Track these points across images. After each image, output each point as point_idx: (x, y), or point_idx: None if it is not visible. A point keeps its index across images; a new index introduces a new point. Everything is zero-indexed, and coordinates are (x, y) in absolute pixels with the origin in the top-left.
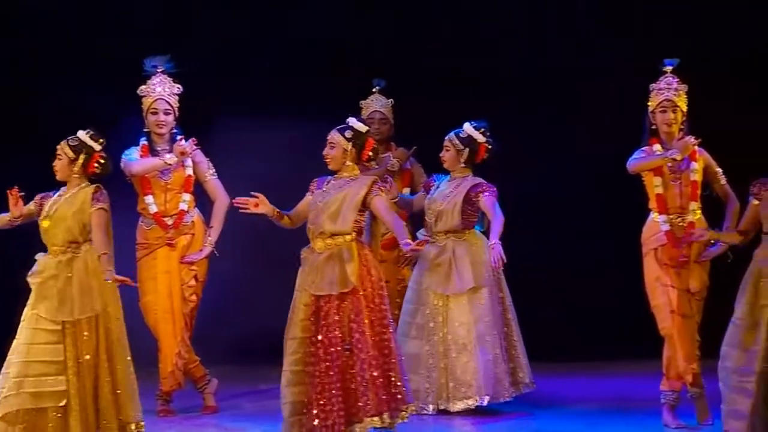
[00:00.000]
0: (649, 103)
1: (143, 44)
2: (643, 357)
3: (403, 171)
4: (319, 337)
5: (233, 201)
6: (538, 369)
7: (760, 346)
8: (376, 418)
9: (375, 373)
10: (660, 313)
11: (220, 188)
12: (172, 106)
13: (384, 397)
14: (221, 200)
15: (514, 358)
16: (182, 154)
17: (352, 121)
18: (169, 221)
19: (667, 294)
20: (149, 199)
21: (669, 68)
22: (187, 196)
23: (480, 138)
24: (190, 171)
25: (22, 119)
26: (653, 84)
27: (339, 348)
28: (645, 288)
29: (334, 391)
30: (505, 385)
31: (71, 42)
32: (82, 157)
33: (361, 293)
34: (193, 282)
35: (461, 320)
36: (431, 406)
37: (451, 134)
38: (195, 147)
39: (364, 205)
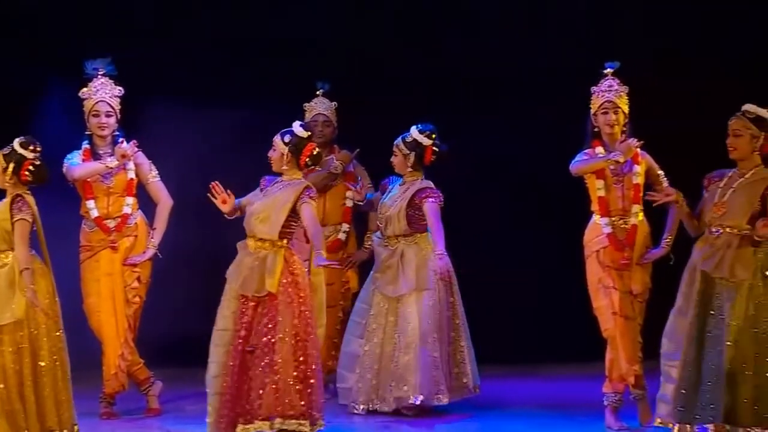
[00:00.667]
0: (591, 106)
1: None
2: (586, 359)
3: (347, 173)
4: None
5: (211, 184)
6: (481, 372)
7: (685, 334)
8: (266, 422)
9: (278, 377)
10: (602, 315)
11: (162, 190)
12: (113, 108)
13: (287, 401)
14: (164, 202)
15: (459, 363)
16: (123, 156)
17: (295, 125)
18: (112, 224)
19: (609, 296)
20: (91, 203)
21: (610, 71)
22: (130, 200)
23: (426, 141)
24: (132, 174)
25: None
26: (594, 87)
27: (241, 349)
28: (588, 290)
29: (228, 390)
30: (441, 389)
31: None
32: (11, 165)
33: (279, 299)
34: (136, 284)
35: (408, 321)
36: (362, 406)
37: (398, 139)
38: (136, 149)
39: (294, 211)
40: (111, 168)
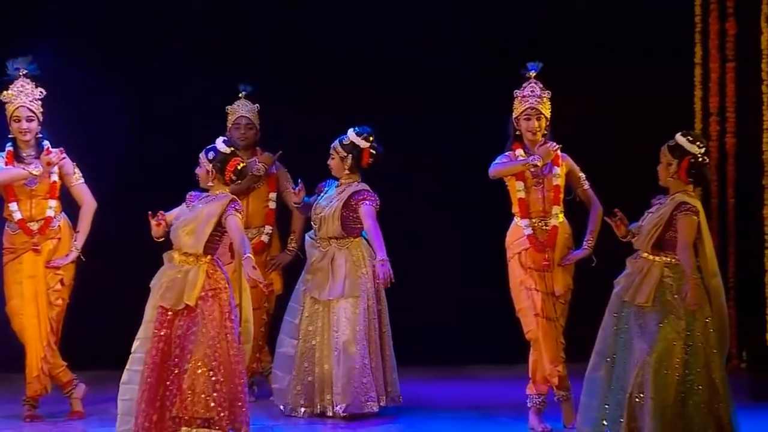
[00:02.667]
0: (513, 110)
1: None
2: (509, 361)
3: (269, 175)
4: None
5: (158, 213)
6: (405, 374)
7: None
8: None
9: (192, 388)
10: (525, 316)
11: (86, 193)
12: (34, 112)
13: (201, 410)
14: (88, 204)
15: (386, 371)
16: (49, 164)
17: (218, 142)
18: (35, 227)
19: (531, 298)
20: (14, 206)
21: (532, 73)
22: (54, 203)
23: (363, 144)
24: (55, 177)
25: None
26: (517, 90)
27: (158, 360)
28: (510, 292)
29: (147, 401)
30: (371, 396)
31: None
32: None
33: (197, 312)
34: (59, 286)
35: (336, 328)
36: (303, 410)
37: (335, 142)
38: (62, 156)
39: (220, 225)
40: (35, 175)
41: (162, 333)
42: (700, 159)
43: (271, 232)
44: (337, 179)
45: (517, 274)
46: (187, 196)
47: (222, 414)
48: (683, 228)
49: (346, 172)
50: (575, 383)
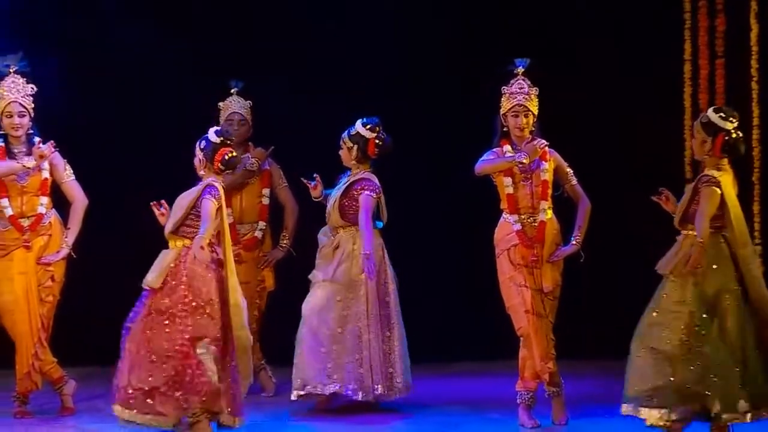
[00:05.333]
0: (501, 106)
1: None
2: (498, 357)
3: (263, 171)
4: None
5: (151, 204)
6: None
7: None
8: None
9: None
10: (515, 313)
11: (77, 190)
12: (26, 108)
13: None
14: (79, 201)
15: (393, 363)
16: (41, 157)
17: (210, 132)
18: (26, 223)
19: (521, 294)
20: (5, 202)
21: (520, 69)
22: (45, 199)
23: (368, 134)
24: (46, 174)
25: None
26: (505, 87)
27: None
28: (500, 289)
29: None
30: (366, 385)
31: None
32: None
33: (158, 295)
34: (49, 282)
35: (343, 310)
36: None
37: (344, 133)
38: (54, 150)
39: (195, 209)
40: (28, 168)
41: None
42: (734, 134)
43: (264, 228)
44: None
45: (506, 271)
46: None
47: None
48: (702, 198)
49: (354, 162)
50: (566, 379)
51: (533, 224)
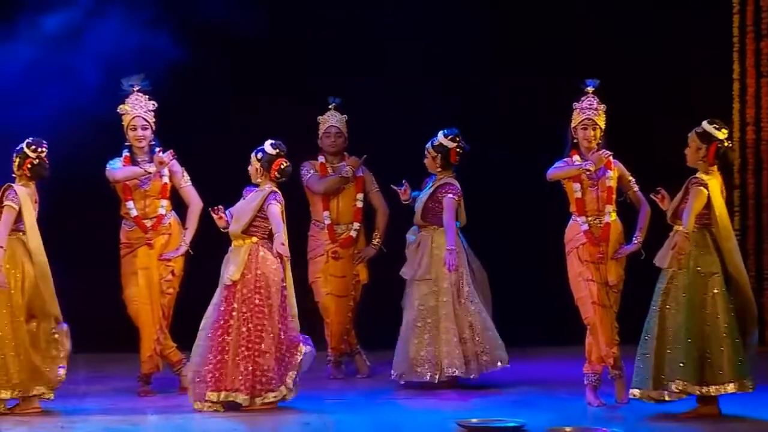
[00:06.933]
0: (572, 120)
1: None
2: (566, 343)
3: (357, 177)
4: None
5: (216, 207)
6: None
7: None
8: (235, 394)
9: (238, 357)
10: (583, 304)
11: (194, 194)
12: (148, 122)
13: (240, 378)
14: (195, 204)
15: (479, 343)
16: (161, 164)
17: (266, 144)
18: (149, 223)
19: (588, 288)
20: (130, 204)
21: (591, 89)
22: (165, 202)
23: (450, 144)
24: (166, 179)
25: None
26: (576, 103)
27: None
28: (569, 283)
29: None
30: (426, 367)
31: None
32: (17, 160)
33: (239, 287)
34: (170, 276)
35: (417, 303)
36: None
37: (428, 143)
38: (172, 157)
39: (262, 212)
40: (150, 173)
41: (222, 306)
42: (726, 143)
43: (358, 228)
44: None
45: (575, 267)
46: (244, 192)
47: (249, 379)
48: (691, 197)
49: (438, 169)
50: (627, 362)
51: (599, 225)
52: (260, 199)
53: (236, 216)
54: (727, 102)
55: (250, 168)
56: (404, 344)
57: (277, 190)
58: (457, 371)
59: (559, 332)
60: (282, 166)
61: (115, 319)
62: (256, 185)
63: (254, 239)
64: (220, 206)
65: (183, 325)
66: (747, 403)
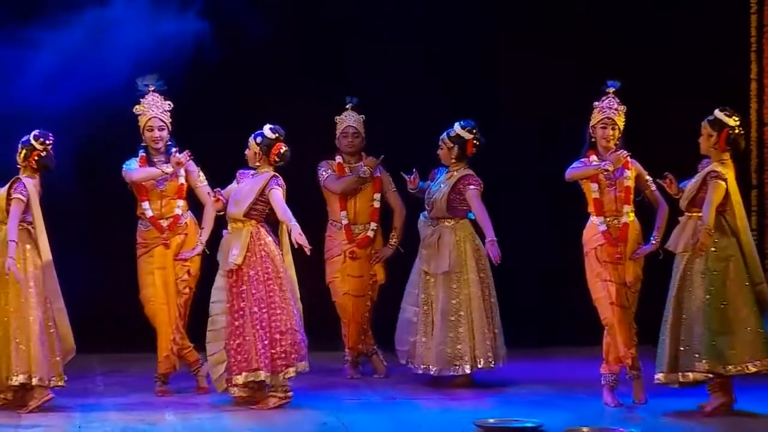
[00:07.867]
0: (591, 119)
1: None
2: (585, 344)
3: (374, 178)
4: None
5: (214, 190)
6: None
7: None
8: (257, 373)
9: (255, 337)
10: (601, 305)
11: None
12: (165, 123)
13: (260, 357)
14: (210, 204)
15: (497, 336)
16: (178, 164)
17: (265, 128)
18: (165, 223)
19: (607, 288)
20: (146, 204)
21: (611, 89)
22: (181, 202)
23: (467, 136)
24: (182, 180)
25: None
26: (596, 102)
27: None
28: (587, 283)
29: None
30: (464, 360)
31: None
32: (23, 152)
33: (244, 270)
34: (186, 276)
35: (447, 296)
36: (422, 366)
37: (444, 134)
38: (189, 158)
39: (263, 195)
40: (167, 173)
41: (230, 291)
42: (737, 130)
43: (375, 228)
44: (447, 167)
45: (593, 267)
46: (237, 174)
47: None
48: (710, 190)
49: (453, 160)
50: (645, 363)
51: (617, 225)
52: (262, 183)
53: (236, 199)
54: (745, 102)
55: (247, 152)
56: (430, 338)
57: (277, 174)
58: (492, 363)
59: (576, 332)
60: (281, 150)
61: (132, 318)
62: (252, 169)
63: (253, 222)
64: (218, 189)
65: (200, 324)
66: (763, 400)
